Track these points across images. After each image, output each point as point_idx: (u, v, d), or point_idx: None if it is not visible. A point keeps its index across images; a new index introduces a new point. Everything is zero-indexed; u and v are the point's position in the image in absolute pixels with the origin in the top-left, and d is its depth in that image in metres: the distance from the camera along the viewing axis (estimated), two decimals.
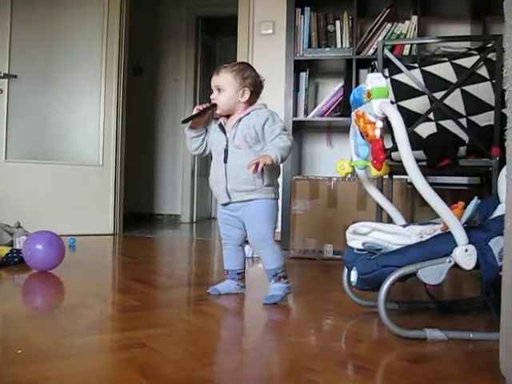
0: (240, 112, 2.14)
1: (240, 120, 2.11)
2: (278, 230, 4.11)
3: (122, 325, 1.77)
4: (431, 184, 1.55)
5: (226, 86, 2.12)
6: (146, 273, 2.81)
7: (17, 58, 4.34)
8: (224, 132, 2.14)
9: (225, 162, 2.11)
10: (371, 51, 3.95)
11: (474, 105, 2.52)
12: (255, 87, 2.15)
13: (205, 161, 7.01)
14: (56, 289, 2.45)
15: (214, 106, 2.15)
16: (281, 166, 2.22)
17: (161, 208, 6.58)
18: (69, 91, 4.60)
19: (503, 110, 1.86)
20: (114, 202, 4.80)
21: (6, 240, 3.24)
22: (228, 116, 2.17)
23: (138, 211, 6.25)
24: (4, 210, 4.12)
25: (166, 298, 2.17)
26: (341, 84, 4.06)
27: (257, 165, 1.96)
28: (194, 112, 2.15)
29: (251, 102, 2.15)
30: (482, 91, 2.52)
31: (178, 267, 3.13)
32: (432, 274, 1.55)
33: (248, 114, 2.12)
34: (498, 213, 1.69)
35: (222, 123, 2.17)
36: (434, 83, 2.54)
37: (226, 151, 2.12)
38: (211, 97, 2.16)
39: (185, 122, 2.19)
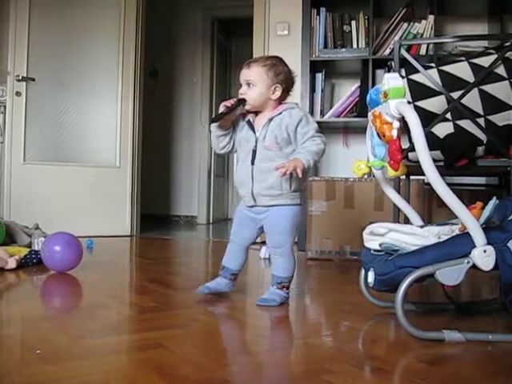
0: (270, 110, 2.03)
1: (271, 119, 2.01)
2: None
3: (140, 326, 1.78)
4: (449, 184, 1.53)
5: (257, 81, 2.00)
6: (162, 274, 2.82)
7: (35, 62, 4.39)
8: (253, 131, 2.04)
9: (252, 163, 2.01)
10: (387, 51, 3.93)
11: (492, 104, 2.49)
12: (287, 84, 2.06)
13: (221, 162, 7.04)
14: (74, 289, 2.46)
15: (243, 101, 2.03)
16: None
17: (177, 209, 6.61)
18: (86, 94, 4.64)
19: None
20: (131, 203, 4.83)
21: (25, 241, 3.27)
22: (256, 113, 2.07)
23: (154, 213, 6.28)
24: (22, 211, 4.17)
25: (183, 299, 2.18)
26: (357, 84, 4.04)
27: (286, 169, 1.87)
28: (221, 109, 2.02)
29: (281, 99, 2.05)
30: (500, 90, 2.49)
31: (195, 268, 3.14)
32: (450, 275, 1.54)
33: (280, 113, 2.01)
34: None
35: (251, 121, 2.06)
36: (451, 83, 2.52)
37: (254, 152, 2.02)
38: (240, 91, 2.05)
39: (214, 121, 2.07)
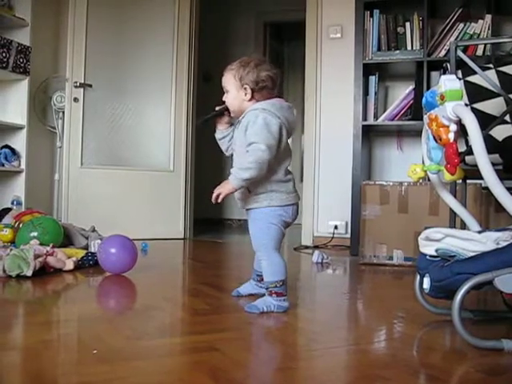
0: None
1: (239, 122, 2.00)
2: (348, 235, 4.09)
3: (193, 328, 1.79)
4: (508, 189, 1.49)
5: (228, 86, 2.01)
6: (215, 277, 2.84)
7: (91, 68, 4.51)
8: None
9: (231, 166, 1.98)
10: (443, 52, 3.85)
11: None
12: (259, 83, 1.96)
13: None
14: (129, 291, 2.51)
15: (227, 108, 2.05)
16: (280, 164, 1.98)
17: (230, 213, 6.65)
18: (141, 98, 4.73)
19: None
20: (185, 207, 4.89)
21: (82, 243, 3.36)
22: None
23: (207, 216, 6.33)
24: (80, 214, 4.29)
25: (235, 303, 2.19)
26: (411, 87, 3.97)
27: (218, 195, 1.89)
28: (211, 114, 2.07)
29: (262, 99, 1.98)
30: None
31: (248, 272, 3.14)
32: (510, 282, 1.49)
33: (244, 116, 1.98)
34: None
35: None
36: (510, 84, 2.44)
37: (231, 155, 2.07)
38: (223, 99, 2.06)
39: (200, 123, 2.11)
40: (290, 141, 2.05)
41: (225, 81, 2.03)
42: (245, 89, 1.97)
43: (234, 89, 2.00)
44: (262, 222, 1.98)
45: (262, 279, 2.05)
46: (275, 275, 1.96)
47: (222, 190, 1.90)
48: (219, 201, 1.90)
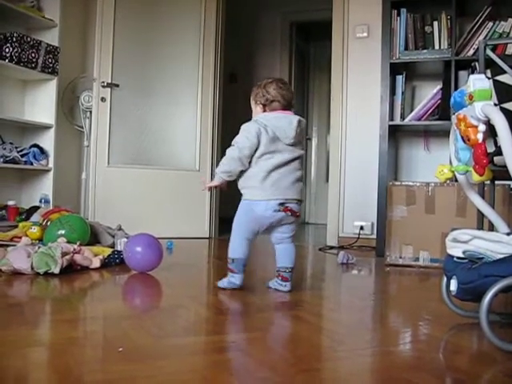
0: None
1: None
2: (374, 236, 4.06)
3: (218, 327, 1.80)
4: None
5: (251, 104, 2.46)
6: None
7: (118, 68, 4.55)
8: None
9: None
10: (471, 52, 3.80)
11: None
12: (268, 99, 2.36)
13: None
14: (154, 289, 2.52)
15: None
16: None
17: None
18: (167, 98, 4.76)
19: None
20: (210, 206, 4.91)
21: (108, 242, 3.39)
22: None
23: (232, 215, 6.32)
24: (106, 212, 4.33)
25: (260, 303, 2.19)
26: (439, 86, 3.93)
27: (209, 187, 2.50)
28: None
29: (269, 110, 2.38)
30: None
31: (272, 271, 3.14)
32: None
33: None
34: None
35: None
36: None
37: None
38: None
39: None
40: (288, 144, 2.31)
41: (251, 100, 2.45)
42: (258, 105, 2.39)
43: (253, 105, 2.43)
44: (238, 210, 2.37)
45: (279, 275, 2.38)
46: (230, 253, 2.33)
47: (210, 183, 2.44)
48: (207, 191, 2.45)
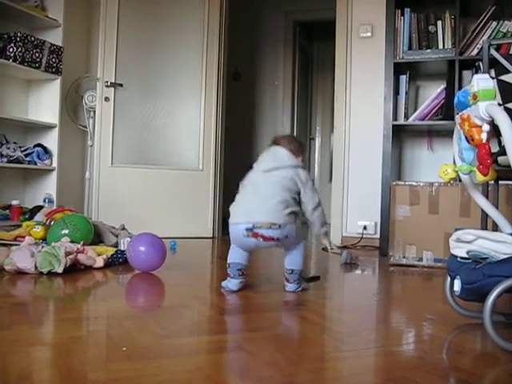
0: None
1: None
2: (377, 236, 4.06)
3: (221, 327, 1.80)
4: None
5: None
6: None
7: (122, 68, 4.56)
8: None
9: None
10: (475, 51, 3.79)
11: None
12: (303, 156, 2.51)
13: None
14: (158, 289, 2.53)
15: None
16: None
17: None
18: (170, 98, 4.76)
19: None
20: (214, 206, 4.91)
21: (112, 241, 3.39)
22: None
23: None
24: (110, 212, 4.33)
25: (264, 302, 2.19)
26: (443, 86, 3.92)
27: None
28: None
29: None
30: None
31: (276, 272, 3.14)
32: None
33: None
34: None
35: None
36: None
37: None
38: None
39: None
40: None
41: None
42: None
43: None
44: None
45: (286, 278, 2.35)
46: (228, 257, 2.37)
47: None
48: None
